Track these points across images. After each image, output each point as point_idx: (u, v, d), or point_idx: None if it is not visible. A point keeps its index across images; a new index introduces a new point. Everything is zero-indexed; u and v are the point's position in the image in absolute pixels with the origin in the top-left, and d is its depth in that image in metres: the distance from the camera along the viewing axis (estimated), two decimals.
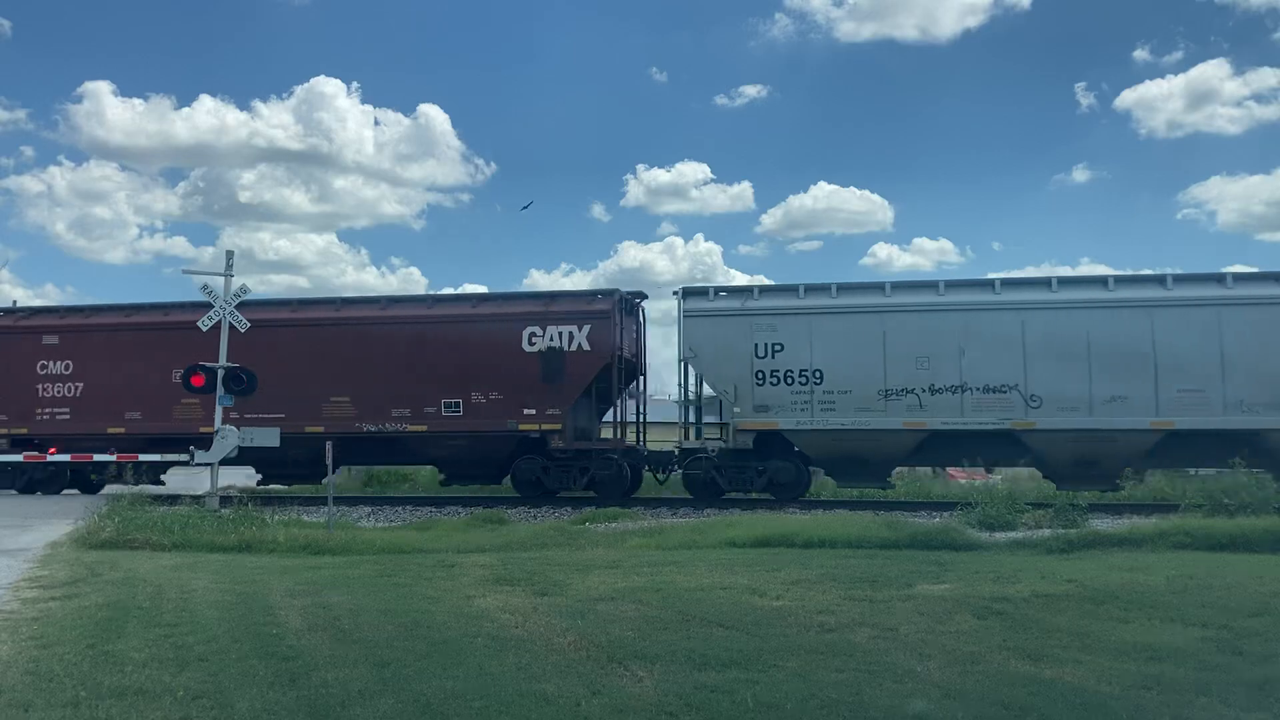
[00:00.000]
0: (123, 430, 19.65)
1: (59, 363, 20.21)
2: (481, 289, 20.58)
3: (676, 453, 18.87)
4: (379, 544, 12.52)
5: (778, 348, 17.69)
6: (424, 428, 18.78)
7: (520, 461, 18.87)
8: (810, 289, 17.97)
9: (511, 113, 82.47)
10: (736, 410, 17.71)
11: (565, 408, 18.44)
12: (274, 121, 75.16)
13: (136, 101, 76.70)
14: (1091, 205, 76.10)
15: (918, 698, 5.57)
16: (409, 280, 75.89)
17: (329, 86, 70.68)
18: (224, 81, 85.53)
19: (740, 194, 79.94)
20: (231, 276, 17.57)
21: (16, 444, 20.17)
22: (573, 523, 15.32)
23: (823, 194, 77.80)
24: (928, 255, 77.76)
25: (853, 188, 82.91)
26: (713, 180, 79.99)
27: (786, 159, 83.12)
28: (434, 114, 76.22)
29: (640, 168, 79.92)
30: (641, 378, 19.89)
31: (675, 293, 18.68)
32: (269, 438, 16.78)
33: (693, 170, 78.27)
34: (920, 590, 8.93)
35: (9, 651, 6.72)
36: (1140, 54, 70.77)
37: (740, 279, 74.18)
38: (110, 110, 72.74)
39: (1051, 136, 73.75)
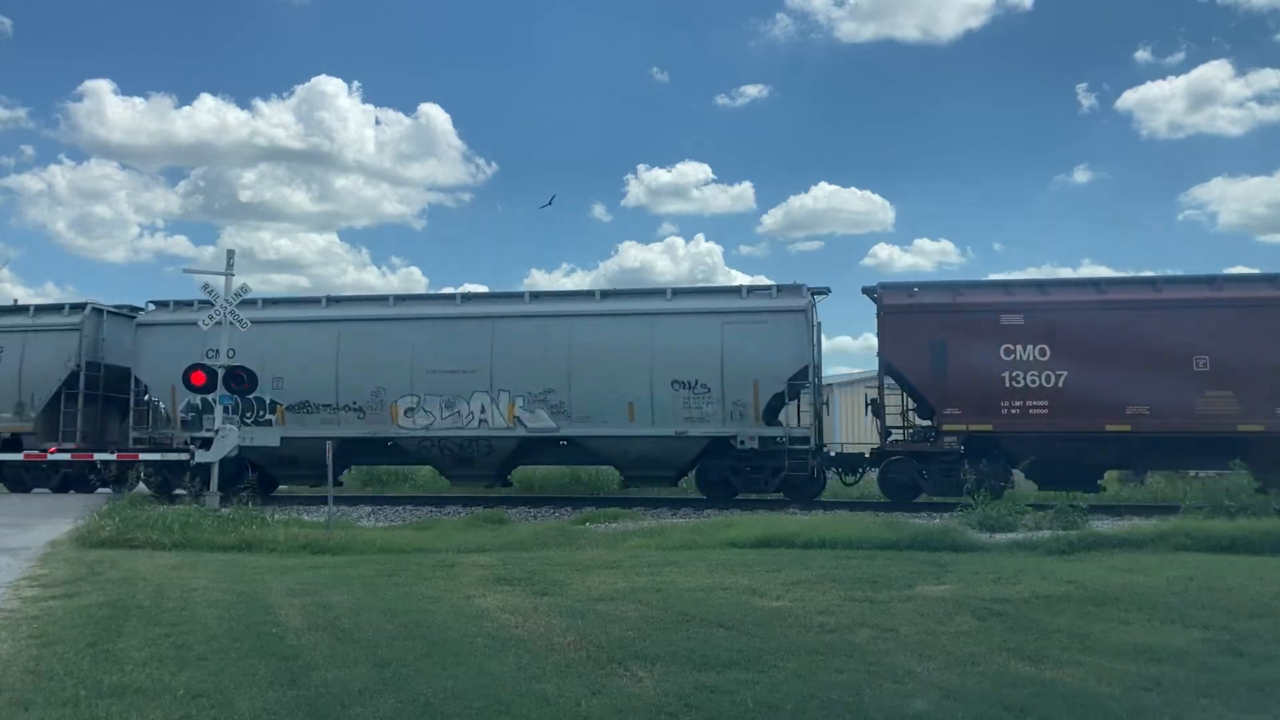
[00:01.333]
0: (1127, 428, 16.48)
1: (1030, 347, 16.86)
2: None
3: None
4: (379, 544, 12.54)
5: None
6: None
7: None
8: None
9: (512, 113, 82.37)
10: None
11: None
12: (275, 121, 74.93)
13: (137, 100, 76.32)
14: (1093, 206, 75.91)
15: (918, 698, 5.58)
16: (410, 280, 75.75)
17: (330, 86, 70.40)
18: (225, 80, 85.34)
19: (741, 194, 79.75)
20: (232, 276, 17.54)
21: (971, 442, 17.07)
22: (573, 523, 15.33)
23: (824, 194, 77.53)
24: (929, 256, 77.53)
25: (854, 188, 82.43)
26: (713, 180, 79.63)
27: (787, 159, 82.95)
28: (435, 114, 75.93)
29: (641, 168, 79.65)
30: None
31: None
32: (269, 437, 16.79)
33: (693, 170, 78.03)
34: (920, 591, 8.93)
35: (9, 650, 6.73)
36: (1142, 55, 70.60)
37: (741, 279, 74.02)
38: (111, 109, 72.47)
39: (1053, 137, 73.55)
